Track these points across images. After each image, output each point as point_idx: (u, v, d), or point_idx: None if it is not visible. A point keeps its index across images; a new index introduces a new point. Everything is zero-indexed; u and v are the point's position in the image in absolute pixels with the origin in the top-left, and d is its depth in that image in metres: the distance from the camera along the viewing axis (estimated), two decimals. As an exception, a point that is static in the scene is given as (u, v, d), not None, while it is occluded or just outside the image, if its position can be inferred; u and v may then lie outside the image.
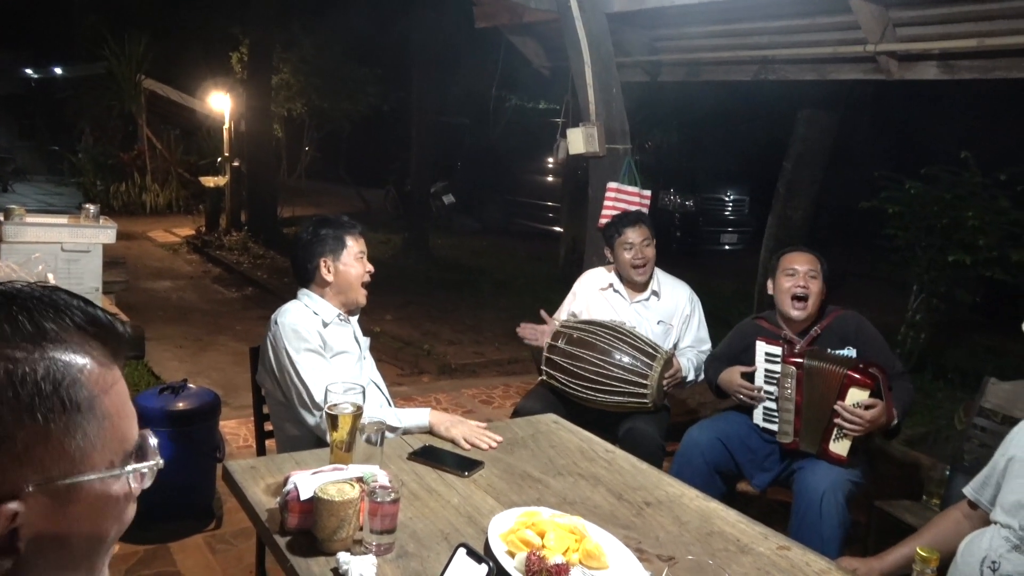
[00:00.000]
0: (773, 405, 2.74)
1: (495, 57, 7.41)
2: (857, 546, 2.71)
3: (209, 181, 10.21)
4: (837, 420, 2.49)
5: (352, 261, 2.26)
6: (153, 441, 0.70)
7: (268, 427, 2.46)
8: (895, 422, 2.53)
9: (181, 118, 12.58)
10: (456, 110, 12.57)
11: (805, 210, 5.58)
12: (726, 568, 1.40)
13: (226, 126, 10.19)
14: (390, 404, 2.37)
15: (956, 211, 4.71)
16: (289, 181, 11.98)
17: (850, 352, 2.66)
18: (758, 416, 2.79)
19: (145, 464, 0.68)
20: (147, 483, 0.69)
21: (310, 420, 2.03)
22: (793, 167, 5.46)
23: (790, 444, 2.68)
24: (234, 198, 10.15)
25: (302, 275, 2.28)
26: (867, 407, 2.43)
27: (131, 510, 0.68)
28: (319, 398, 2.03)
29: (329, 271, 2.24)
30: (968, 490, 1.88)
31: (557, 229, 9.51)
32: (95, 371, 0.64)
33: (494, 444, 2.06)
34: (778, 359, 2.71)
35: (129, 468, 0.66)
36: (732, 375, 2.81)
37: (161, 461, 0.70)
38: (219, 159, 10.45)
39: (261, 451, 2.45)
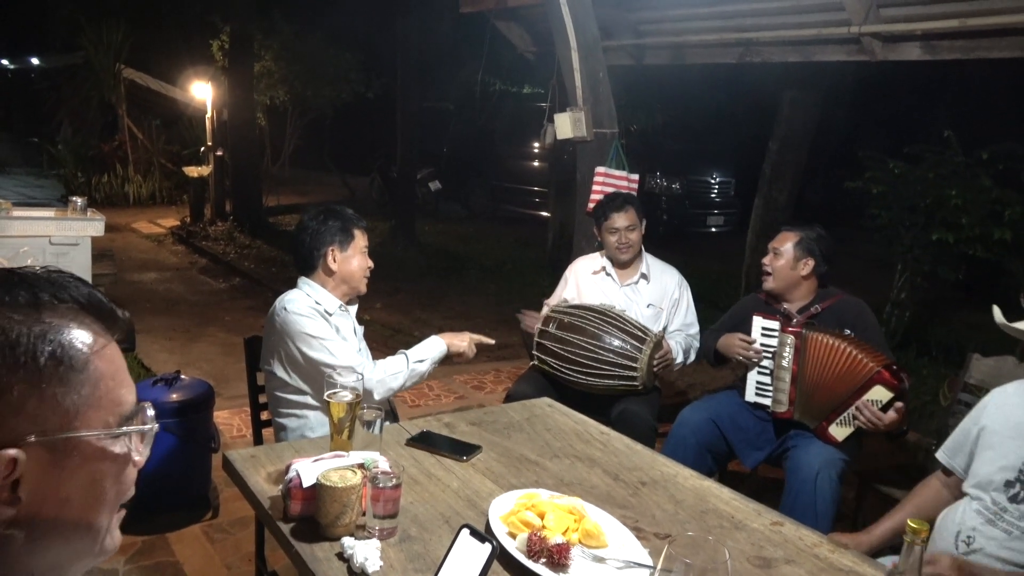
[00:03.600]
0: (766, 379, 2.78)
1: (480, 42, 7.37)
2: (846, 522, 2.77)
3: (192, 171, 10.12)
4: (854, 412, 2.49)
5: (357, 254, 2.29)
6: (151, 411, 0.73)
7: (264, 416, 2.48)
8: (905, 428, 2.54)
9: (162, 108, 12.42)
10: (441, 96, 12.50)
11: (790, 191, 5.63)
12: (723, 542, 1.44)
13: (208, 115, 10.09)
14: None
15: (939, 190, 4.77)
16: (273, 170, 11.89)
17: (848, 333, 2.69)
18: (750, 392, 2.83)
19: (141, 427, 0.71)
20: (145, 451, 0.73)
21: (343, 380, 1.91)
22: (778, 149, 5.50)
23: (784, 413, 2.71)
24: (218, 188, 10.07)
25: (306, 262, 2.29)
26: (884, 408, 2.42)
27: (131, 474, 0.72)
28: (351, 361, 2.15)
29: (335, 261, 2.26)
30: (941, 455, 1.91)
31: (544, 214, 9.52)
32: (88, 336, 0.68)
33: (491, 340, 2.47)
34: (774, 333, 2.75)
35: (125, 429, 0.69)
36: (731, 338, 2.85)
37: (157, 426, 0.74)
38: (202, 149, 10.35)
39: (258, 440, 2.47)
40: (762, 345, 2.78)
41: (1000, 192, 4.65)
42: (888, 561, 1.71)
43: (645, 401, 2.98)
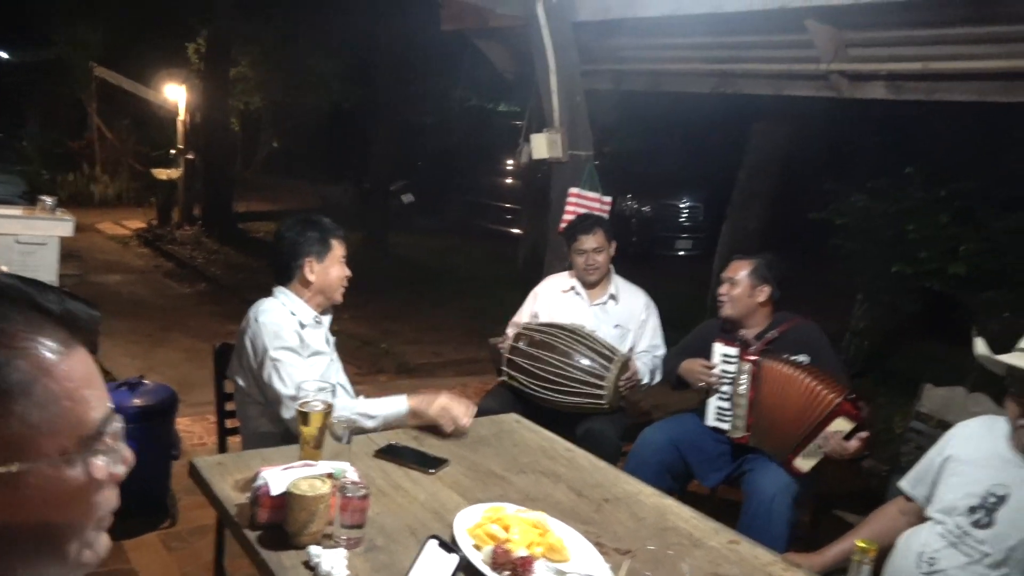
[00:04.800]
0: (726, 405, 2.84)
1: (460, 58, 7.43)
2: (802, 543, 2.84)
3: (162, 173, 9.99)
4: (820, 442, 2.55)
5: (335, 264, 2.29)
6: (118, 425, 0.67)
7: (230, 424, 2.46)
8: (867, 453, 2.61)
9: (133, 108, 12.26)
10: (419, 109, 12.55)
11: (759, 219, 5.76)
12: (682, 558, 1.48)
13: (181, 118, 9.99)
14: None
15: (899, 224, 4.92)
16: (245, 175, 11.79)
17: (804, 359, 2.77)
18: (710, 416, 2.89)
19: (101, 453, 0.64)
20: (119, 469, 0.67)
21: (287, 415, 2.04)
22: (747, 177, 5.63)
23: (741, 439, 2.77)
24: (188, 191, 9.95)
25: (283, 273, 2.28)
26: (847, 437, 2.48)
27: (106, 495, 0.66)
28: (295, 394, 2.05)
29: (312, 271, 2.25)
30: (904, 484, 1.99)
31: (516, 231, 9.58)
32: (35, 354, 0.60)
33: (468, 419, 2.15)
34: (733, 359, 2.81)
35: (85, 455, 0.62)
36: (692, 364, 2.90)
37: (126, 449, 0.67)
38: (172, 151, 10.24)
39: (222, 449, 2.45)
40: (722, 371, 2.84)
41: (956, 229, 4.82)
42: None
43: (610, 420, 3.02)
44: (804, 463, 2.62)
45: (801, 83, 3.93)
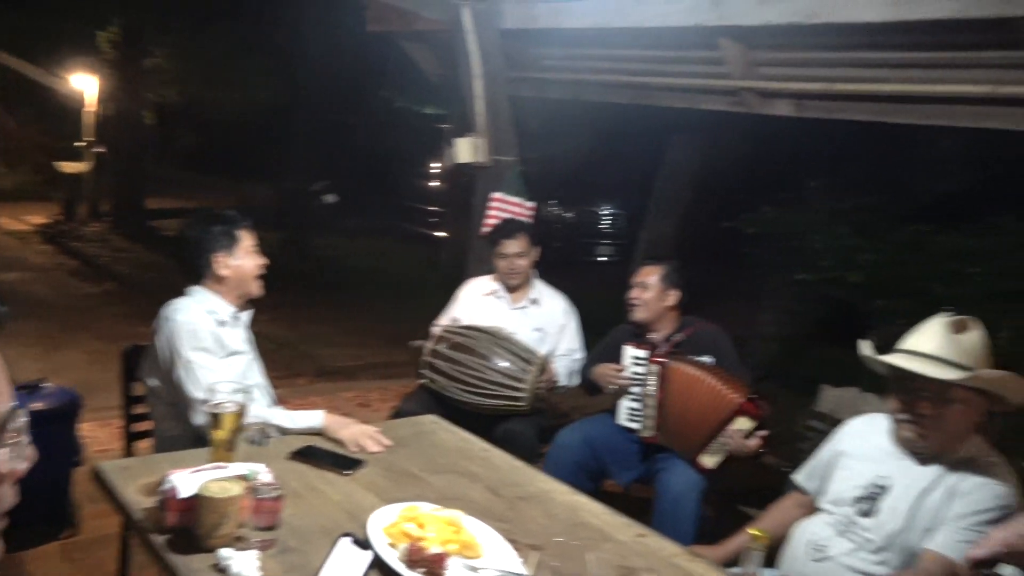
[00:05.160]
0: (636, 405, 2.94)
1: (386, 59, 7.38)
2: (708, 537, 2.97)
3: (67, 167, 9.52)
4: (723, 440, 2.68)
5: (246, 255, 2.24)
6: (23, 420, 0.67)
7: (138, 428, 2.39)
8: (764, 451, 2.74)
9: (38, 97, 11.60)
10: (343, 109, 12.37)
11: (674, 227, 5.97)
12: (589, 551, 1.54)
13: (90, 109, 9.53)
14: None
15: (803, 235, 5.20)
16: (158, 171, 11.34)
17: (709, 360, 2.90)
18: (622, 417, 2.98)
19: (4, 447, 0.64)
20: (21, 465, 0.67)
21: (198, 420, 2.00)
22: (664, 187, 5.82)
23: (651, 438, 2.88)
24: (96, 186, 9.51)
25: (194, 272, 2.22)
26: (748, 435, 2.61)
27: (3, 491, 0.67)
28: (206, 397, 2.01)
29: (225, 266, 2.21)
30: (798, 479, 2.13)
31: (441, 234, 9.58)
32: None
33: (380, 448, 2.08)
34: (643, 361, 2.91)
35: None
36: (603, 368, 3.00)
37: (30, 447, 0.68)
38: (80, 143, 9.75)
39: (129, 454, 2.37)
40: (633, 373, 2.94)
41: (855, 240, 5.13)
42: (739, 570, 1.87)
43: (529, 422, 3.08)
44: (709, 460, 2.75)
45: (714, 98, 4.11)
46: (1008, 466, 1.79)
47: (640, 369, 2.92)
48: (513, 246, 3.30)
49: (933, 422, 1.77)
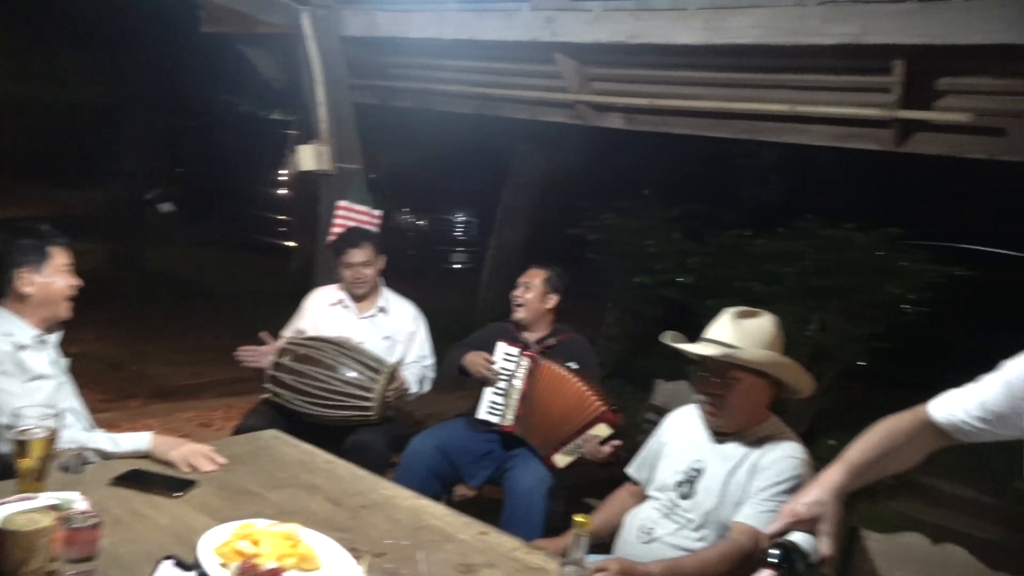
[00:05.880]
0: (499, 399, 3.02)
1: (225, 61, 7.04)
2: (556, 531, 3.09)
3: None
4: (579, 443, 2.81)
5: (56, 274, 2.07)
6: None
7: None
8: (614, 461, 2.87)
9: None
10: (179, 111, 11.64)
11: (522, 234, 6.15)
12: (431, 553, 1.57)
13: None
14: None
15: (640, 240, 5.54)
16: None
17: (574, 366, 3.01)
18: (483, 409, 3.04)
19: None
20: None
21: (3, 448, 1.82)
22: (511, 195, 5.99)
23: (509, 427, 2.98)
24: None
25: None
26: (603, 442, 2.75)
27: None
28: (10, 423, 1.84)
29: (30, 284, 2.03)
30: (630, 470, 2.29)
31: (289, 244, 9.27)
32: None
33: (214, 467, 2.01)
34: (513, 358, 3.02)
35: None
36: (476, 356, 3.06)
37: None
38: None
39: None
40: (501, 368, 3.04)
41: (686, 244, 5.53)
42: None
43: (379, 431, 3.06)
44: (562, 459, 2.88)
45: (553, 110, 4.30)
46: (801, 443, 2.01)
47: (510, 366, 3.02)
48: (358, 255, 3.28)
49: (721, 401, 1.98)
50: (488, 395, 3.05)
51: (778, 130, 3.48)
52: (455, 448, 3.05)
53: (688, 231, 5.65)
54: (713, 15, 3.16)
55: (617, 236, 5.69)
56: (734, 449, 2.00)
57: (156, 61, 8.63)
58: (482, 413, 3.05)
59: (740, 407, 1.98)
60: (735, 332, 1.99)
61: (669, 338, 2.10)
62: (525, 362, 2.98)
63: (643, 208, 5.70)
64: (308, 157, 4.16)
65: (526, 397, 2.96)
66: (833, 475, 1.39)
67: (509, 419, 2.99)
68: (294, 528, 1.60)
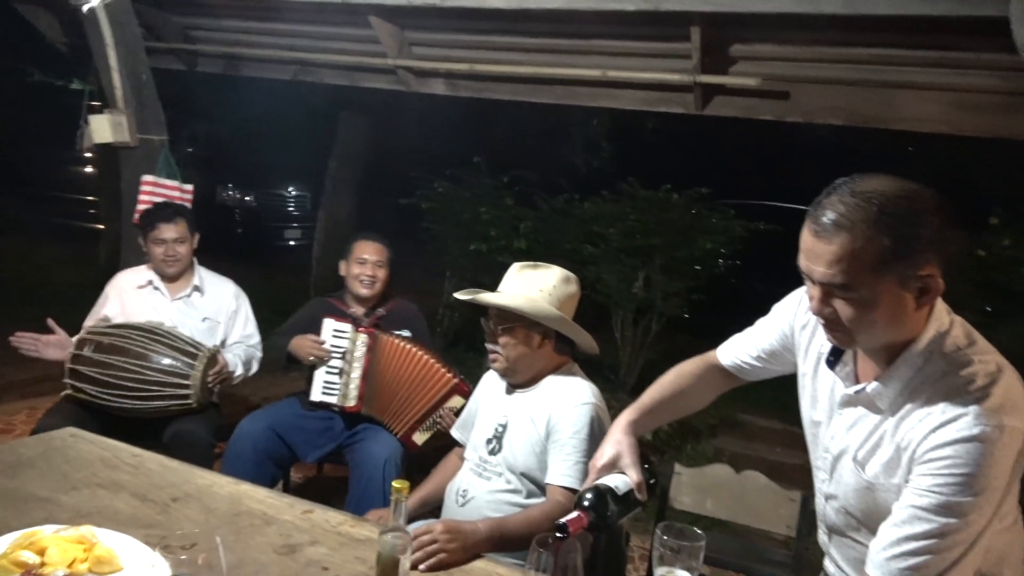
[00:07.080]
0: (335, 378, 2.92)
1: (8, 24, 6.17)
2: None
3: None
4: (436, 418, 2.78)
5: None
6: None
7: None
8: None
9: None
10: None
11: (350, 205, 5.99)
12: (251, 538, 1.50)
13: None
14: None
15: (474, 207, 5.58)
16: None
17: (407, 334, 3.00)
18: (316, 392, 2.93)
19: None
20: None
21: None
22: (337, 166, 5.80)
23: (353, 408, 2.90)
24: None
25: None
26: (457, 413, 2.66)
27: None
28: None
29: None
30: (454, 432, 2.31)
31: (99, 227, 8.45)
32: None
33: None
34: (345, 334, 2.91)
35: None
36: (302, 340, 2.93)
37: None
38: None
39: None
40: (332, 346, 2.93)
41: (518, 210, 5.64)
42: (411, 527, 1.96)
43: (202, 419, 2.89)
44: (420, 437, 2.85)
45: (373, 76, 4.18)
46: (593, 386, 2.04)
47: (342, 343, 2.91)
48: (171, 231, 3.05)
49: (504, 349, 2.03)
50: (321, 375, 2.95)
51: (593, 95, 3.60)
52: (288, 427, 2.93)
53: (520, 197, 5.77)
54: (519, -21, 3.18)
55: (450, 205, 5.70)
56: (527, 399, 2.04)
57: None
58: (316, 395, 2.95)
59: (519, 357, 2.02)
60: (518, 284, 2.04)
61: (460, 294, 2.13)
62: (362, 338, 2.91)
63: (475, 176, 5.73)
64: (104, 128, 3.77)
65: (368, 375, 2.90)
66: (624, 415, 1.53)
67: (352, 399, 2.91)
68: (88, 530, 1.47)
